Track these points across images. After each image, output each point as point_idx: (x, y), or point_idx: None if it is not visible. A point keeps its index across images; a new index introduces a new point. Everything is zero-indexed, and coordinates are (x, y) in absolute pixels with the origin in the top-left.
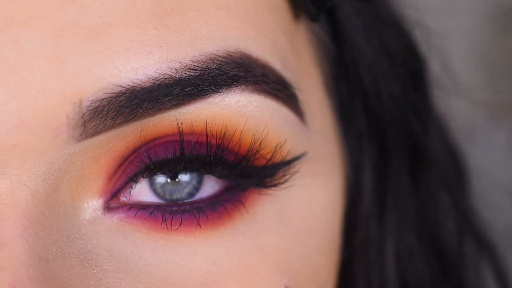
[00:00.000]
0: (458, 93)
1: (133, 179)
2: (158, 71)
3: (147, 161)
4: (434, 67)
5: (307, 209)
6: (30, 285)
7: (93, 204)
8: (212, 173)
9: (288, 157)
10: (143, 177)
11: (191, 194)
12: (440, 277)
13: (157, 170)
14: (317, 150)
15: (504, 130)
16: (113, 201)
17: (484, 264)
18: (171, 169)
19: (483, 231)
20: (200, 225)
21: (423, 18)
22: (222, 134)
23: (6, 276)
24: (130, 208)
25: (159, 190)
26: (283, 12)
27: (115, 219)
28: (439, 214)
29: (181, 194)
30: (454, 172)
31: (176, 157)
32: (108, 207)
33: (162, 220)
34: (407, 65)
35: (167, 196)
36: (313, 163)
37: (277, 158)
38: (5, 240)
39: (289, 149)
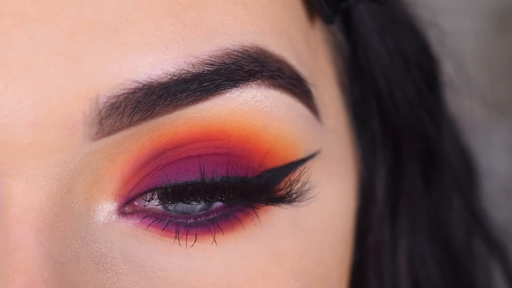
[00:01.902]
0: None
1: (148, 193)
2: (175, 66)
3: (164, 183)
4: (446, 68)
5: (321, 209)
6: None
7: (107, 207)
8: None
9: (302, 155)
10: (158, 197)
11: (203, 209)
12: (451, 280)
13: (173, 198)
14: (331, 148)
15: (503, 130)
16: (127, 206)
17: (495, 266)
18: (188, 199)
19: (494, 233)
20: (215, 241)
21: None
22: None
23: (21, 279)
24: (144, 217)
25: (170, 208)
26: (299, 9)
27: (129, 224)
28: (451, 217)
29: (193, 210)
30: (466, 174)
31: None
32: (122, 212)
33: (175, 237)
34: (422, 67)
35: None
36: (327, 161)
37: (292, 158)
38: (20, 242)
39: (303, 148)
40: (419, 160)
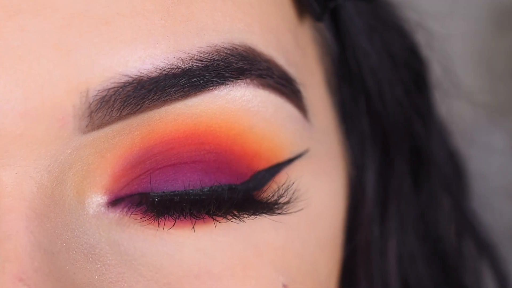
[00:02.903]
0: (458, 95)
1: (134, 202)
2: (165, 61)
3: (151, 190)
4: (435, 70)
5: (306, 206)
6: (36, 277)
7: (97, 200)
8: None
9: (290, 156)
10: (145, 205)
11: None
12: (441, 280)
13: (160, 210)
14: (319, 147)
15: (503, 131)
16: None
17: (485, 267)
18: (175, 211)
19: (484, 234)
20: (194, 228)
21: (424, 21)
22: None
23: (12, 267)
24: (128, 204)
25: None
26: (288, 7)
27: (117, 213)
28: (440, 216)
29: None
30: (455, 175)
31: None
32: (111, 203)
33: (155, 219)
34: (410, 67)
35: None
36: (315, 160)
37: (280, 158)
38: (11, 232)
39: (291, 148)
40: (408, 160)
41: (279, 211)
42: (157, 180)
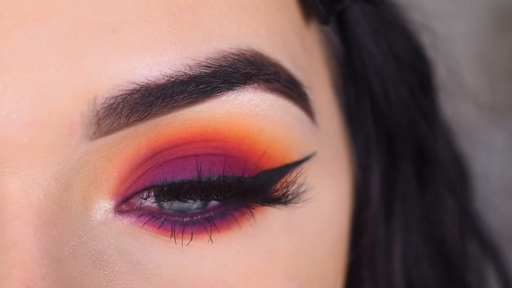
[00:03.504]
0: (461, 96)
1: (144, 191)
2: (173, 68)
3: (160, 181)
4: (440, 71)
5: (316, 211)
6: (43, 284)
7: (104, 206)
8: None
9: (298, 158)
10: (154, 195)
11: (199, 208)
12: (445, 281)
13: (170, 196)
14: (326, 150)
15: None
16: (124, 204)
17: (489, 267)
18: (184, 197)
19: (488, 235)
20: (211, 240)
21: (428, 22)
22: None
23: (19, 274)
24: (140, 216)
25: (166, 207)
26: (294, 11)
27: (125, 222)
28: (445, 218)
29: (190, 208)
30: (459, 176)
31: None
32: (119, 210)
33: (171, 236)
34: (415, 69)
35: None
36: (322, 163)
37: (288, 160)
38: (18, 239)
39: (299, 150)
40: (413, 162)
41: (289, 204)
42: (166, 171)
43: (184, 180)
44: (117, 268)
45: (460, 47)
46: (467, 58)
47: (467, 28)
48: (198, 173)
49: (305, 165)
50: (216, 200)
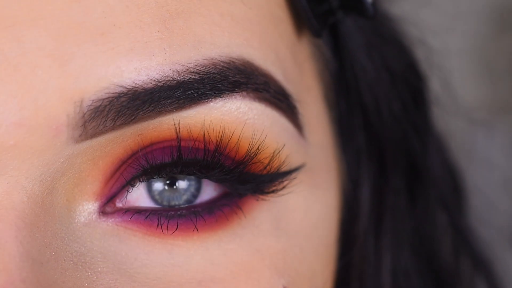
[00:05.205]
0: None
1: (130, 182)
2: (161, 73)
3: (144, 165)
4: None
5: (304, 216)
6: (23, 287)
7: (88, 207)
8: (209, 177)
9: (286, 167)
10: (140, 180)
11: (189, 201)
12: None
13: (154, 173)
14: (315, 163)
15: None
16: (108, 205)
17: (480, 283)
18: (168, 172)
19: (480, 250)
20: (197, 229)
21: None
22: (219, 137)
23: (0, 277)
24: (125, 212)
25: (157, 197)
26: (286, 24)
27: (110, 223)
28: (435, 232)
29: (179, 201)
30: (452, 191)
31: (173, 161)
32: (103, 212)
33: (158, 224)
34: (408, 82)
35: (165, 203)
36: (311, 175)
37: (275, 164)
38: (0, 241)
39: (286, 156)
40: (404, 175)
41: (274, 192)
42: (150, 158)
43: (166, 162)
44: (99, 269)
45: (461, 46)
46: (468, 57)
47: (468, 28)
48: (179, 156)
49: (294, 175)
50: (198, 176)
